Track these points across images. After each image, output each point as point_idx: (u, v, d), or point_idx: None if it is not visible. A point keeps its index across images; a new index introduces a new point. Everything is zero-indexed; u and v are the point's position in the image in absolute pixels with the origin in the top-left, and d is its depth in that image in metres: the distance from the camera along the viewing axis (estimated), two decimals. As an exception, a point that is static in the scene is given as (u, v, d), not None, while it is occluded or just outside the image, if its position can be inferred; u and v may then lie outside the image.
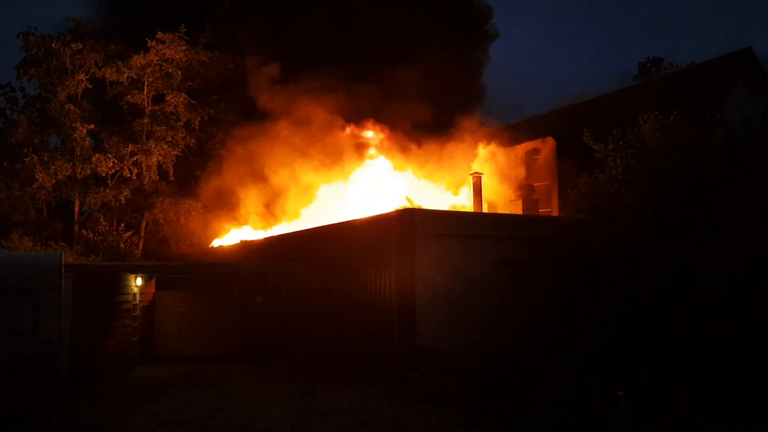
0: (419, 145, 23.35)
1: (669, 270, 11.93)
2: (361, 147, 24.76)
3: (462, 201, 20.94)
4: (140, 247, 28.66)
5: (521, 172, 20.95)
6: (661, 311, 12.05)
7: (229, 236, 27.22)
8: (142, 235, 29.14)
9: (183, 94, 28.81)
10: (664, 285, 12.10)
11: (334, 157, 24.74)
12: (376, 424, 10.77)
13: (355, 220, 17.54)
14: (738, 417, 9.40)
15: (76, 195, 28.06)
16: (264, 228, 26.17)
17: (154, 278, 19.53)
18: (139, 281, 17.97)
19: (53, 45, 27.63)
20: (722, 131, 13.02)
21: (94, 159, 27.31)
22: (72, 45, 27.71)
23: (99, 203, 28.00)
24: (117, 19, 33.61)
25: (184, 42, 28.61)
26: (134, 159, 27.95)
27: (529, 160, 20.98)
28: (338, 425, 10.78)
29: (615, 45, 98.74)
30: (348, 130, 25.03)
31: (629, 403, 8.91)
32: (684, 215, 12.16)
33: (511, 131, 22.82)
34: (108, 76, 28.39)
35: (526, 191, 19.38)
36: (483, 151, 21.59)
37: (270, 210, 26.45)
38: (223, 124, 29.62)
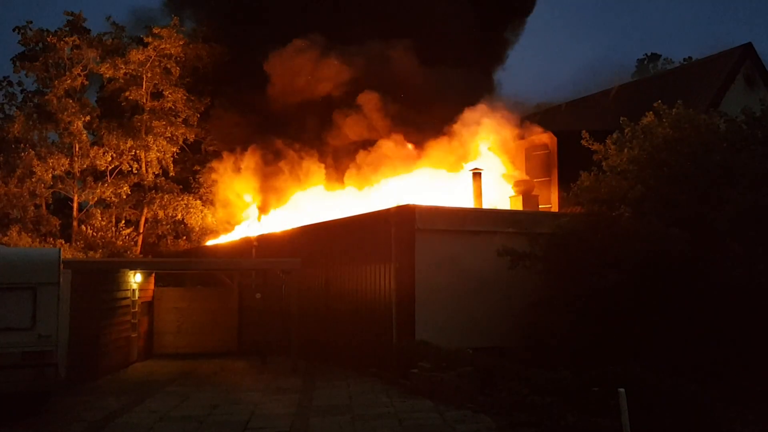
0: (424, 138, 23.21)
1: (671, 263, 11.91)
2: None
3: (462, 196, 20.85)
4: (139, 244, 28.60)
5: (521, 167, 20.89)
6: (660, 307, 12.06)
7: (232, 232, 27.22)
8: (141, 231, 29.05)
9: (182, 90, 28.69)
10: (662, 280, 12.10)
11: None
12: (375, 420, 10.74)
13: (354, 216, 17.50)
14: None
15: (75, 190, 27.97)
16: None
17: (153, 275, 19.49)
18: (138, 278, 17.91)
19: (49, 39, 27.52)
20: (724, 121, 13.06)
21: (92, 152, 27.24)
22: (68, 39, 27.60)
23: (97, 198, 27.92)
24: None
25: (181, 36, 28.47)
26: (133, 153, 27.87)
27: (529, 155, 20.92)
28: (337, 421, 10.75)
29: (612, 41, 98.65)
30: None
31: (631, 395, 8.85)
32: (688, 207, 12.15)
33: (510, 126, 22.70)
34: (105, 72, 28.23)
35: (526, 187, 19.30)
36: (483, 146, 21.50)
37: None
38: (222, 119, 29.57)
